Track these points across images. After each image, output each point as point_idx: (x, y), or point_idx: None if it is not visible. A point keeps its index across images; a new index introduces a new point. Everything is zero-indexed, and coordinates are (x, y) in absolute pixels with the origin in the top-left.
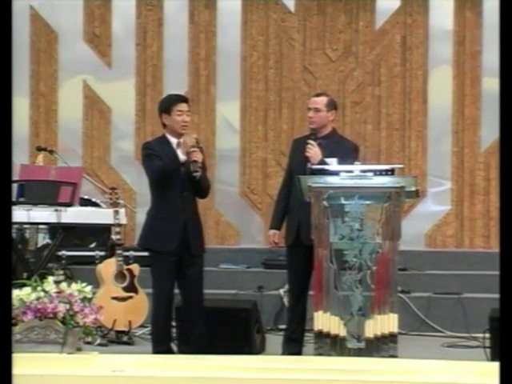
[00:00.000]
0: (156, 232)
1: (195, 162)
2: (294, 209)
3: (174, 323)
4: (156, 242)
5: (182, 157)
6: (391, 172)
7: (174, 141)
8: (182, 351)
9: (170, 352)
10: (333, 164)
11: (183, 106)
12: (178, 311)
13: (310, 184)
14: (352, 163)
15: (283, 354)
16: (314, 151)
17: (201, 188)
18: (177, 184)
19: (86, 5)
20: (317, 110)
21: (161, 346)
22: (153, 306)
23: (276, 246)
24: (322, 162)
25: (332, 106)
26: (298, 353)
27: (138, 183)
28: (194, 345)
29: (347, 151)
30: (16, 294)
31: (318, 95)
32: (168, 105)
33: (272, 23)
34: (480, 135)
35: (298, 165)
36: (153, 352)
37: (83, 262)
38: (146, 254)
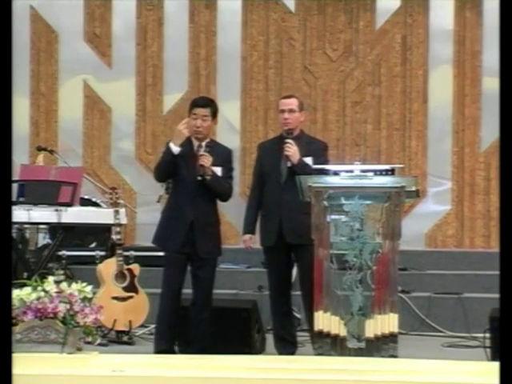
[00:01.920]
0: (162, 231)
1: (202, 166)
2: (271, 210)
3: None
4: (162, 240)
5: (174, 148)
6: (391, 172)
7: (195, 143)
8: (183, 351)
9: (172, 351)
10: (309, 163)
11: (199, 111)
12: (184, 311)
13: (311, 184)
14: (324, 161)
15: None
16: (293, 150)
17: (213, 192)
18: (187, 186)
19: (86, 5)
20: (291, 110)
21: (162, 345)
22: (159, 304)
23: (251, 249)
24: (301, 161)
25: (301, 107)
26: (292, 353)
27: (139, 183)
28: (196, 346)
29: (318, 150)
30: (16, 293)
31: (288, 97)
32: (189, 108)
33: (272, 23)
34: (480, 135)
35: (272, 166)
36: (154, 351)
37: (83, 262)
38: (146, 253)
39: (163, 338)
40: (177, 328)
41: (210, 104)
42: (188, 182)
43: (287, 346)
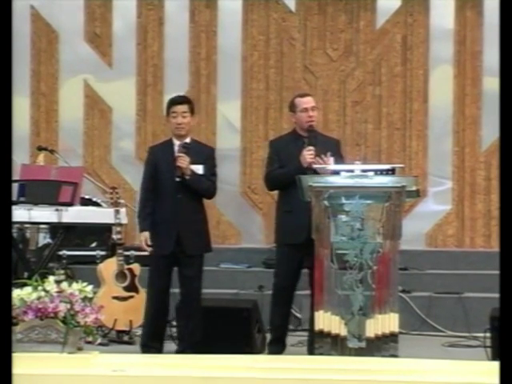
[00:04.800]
0: (154, 237)
1: (179, 167)
2: (298, 207)
3: (174, 322)
4: (153, 245)
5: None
6: (392, 171)
7: (176, 143)
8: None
9: (158, 351)
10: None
11: (178, 108)
12: (177, 310)
13: (311, 184)
14: (342, 158)
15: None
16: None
17: (194, 191)
18: (169, 187)
19: (86, 4)
20: (314, 108)
21: (147, 343)
22: (145, 305)
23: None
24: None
25: None
26: (282, 352)
27: (139, 183)
28: (187, 342)
29: (337, 148)
30: (17, 293)
31: (305, 95)
32: (166, 108)
33: (273, 23)
34: (481, 135)
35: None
36: (140, 349)
37: (84, 262)
38: (146, 253)
39: (148, 338)
40: (164, 328)
41: (187, 101)
42: (171, 183)
43: (280, 345)
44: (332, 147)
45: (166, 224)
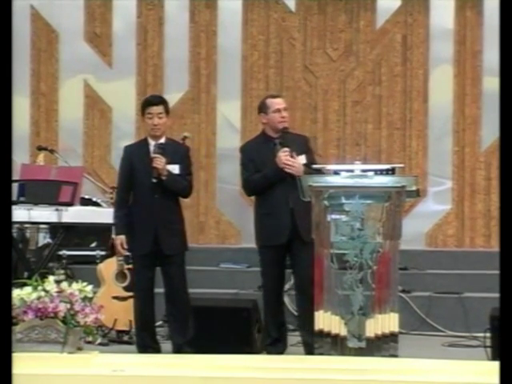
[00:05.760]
0: (132, 237)
1: (155, 168)
2: (279, 208)
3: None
4: (132, 246)
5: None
6: (392, 171)
7: (152, 143)
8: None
9: (155, 350)
10: (303, 161)
11: (153, 109)
12: (166, 310)
13: (311, 183)
14: (313, 155)
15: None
16: (297, 165)
17: (171, 191)
18: (146, 187)
19: (86, 4)
20: (286, 109)
21: (142, 343)
22: (133, 306)
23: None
24: (305, 170)
25: None
26: (282, 352)
27: None
28: (181, 341)
29: (307, 146)
30: (17, 293)
31: (277, 96)
32: (141, 108)
33: (273, 22)
34: (480, 134)
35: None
36: (137, 350)
37: (84, 262)
38: None
39: (139, 337)
40: (153, 326)
41: (162, 101)
42: (147, 183)
43: (280, 346)
44: (302, 144)
45: (142, 224)
